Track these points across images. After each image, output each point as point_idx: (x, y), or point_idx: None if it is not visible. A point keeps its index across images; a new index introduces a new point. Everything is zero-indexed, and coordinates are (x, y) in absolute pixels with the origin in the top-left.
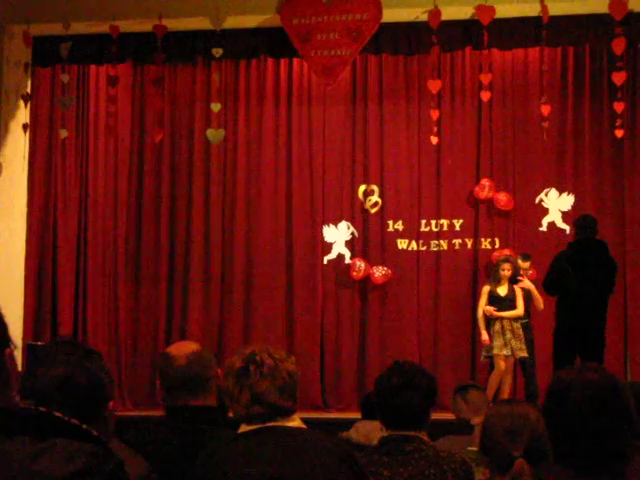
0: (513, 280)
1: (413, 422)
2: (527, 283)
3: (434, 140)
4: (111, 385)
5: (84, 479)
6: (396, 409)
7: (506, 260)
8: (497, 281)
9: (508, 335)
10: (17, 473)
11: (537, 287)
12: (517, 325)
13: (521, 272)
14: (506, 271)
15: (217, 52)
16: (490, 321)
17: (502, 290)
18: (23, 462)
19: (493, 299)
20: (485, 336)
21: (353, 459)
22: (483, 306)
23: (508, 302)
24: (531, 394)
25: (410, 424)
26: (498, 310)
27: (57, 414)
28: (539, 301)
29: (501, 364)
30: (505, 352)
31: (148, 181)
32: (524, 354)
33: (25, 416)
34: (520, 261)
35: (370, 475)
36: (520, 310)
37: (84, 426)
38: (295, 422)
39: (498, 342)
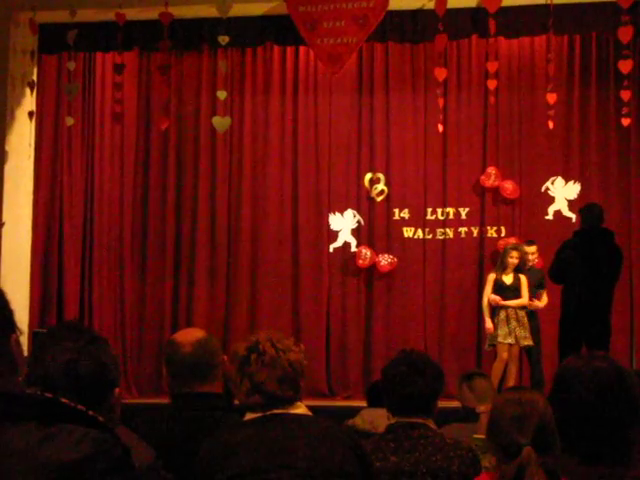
0: (518, 269)
1: (420, 409)
2: (537, 305)
3: (440, 128)
4: (117, 371)
5: (90, 465)
6: (404, 396)
7: (515, 248)
8: (503, 269)
9: (513, 323)
10: (23, 459)
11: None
12: (522, 313)
13: (528, 257)
14: (514, 259)
15: (223, 40)
16: (495, 309)
17: (507, 278)
18: (29, 448)
19: (498, 287)
20: (490, 324)
21: (359, 446)
22: (488, 294)
23: (513, 290)
24: (537, 382)
25: (417, 411)
26: (503, 298)
27: (63, 400)
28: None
29: (503, 352)
30: (509, 340)
31: (154, 169)
32: (529, 342)
33: (31, 402)
34: (526, 247)
35: (377, 461)
36: (525, 299)
37: (90, 412)
38: (300, 409)
39: (502, 330)
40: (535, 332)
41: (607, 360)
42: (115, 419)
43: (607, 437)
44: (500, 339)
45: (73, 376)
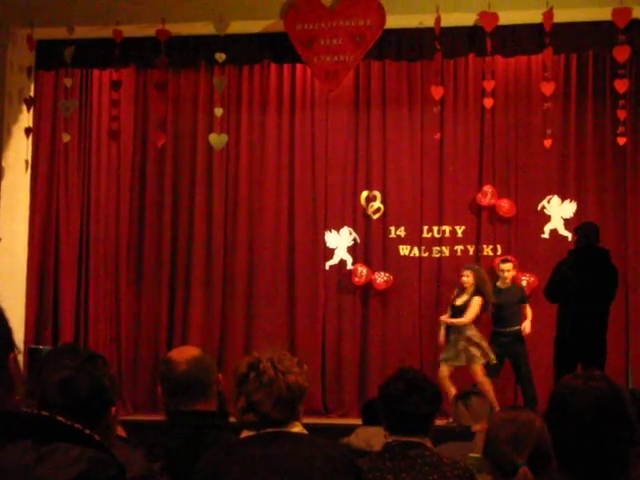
0: (477, 291)
1: (418, 428)
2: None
3: (436, 142)
4: (114, 390)
5: None
6: (402, 414)
7: (467, 267)
8: (461, 290)
9: (462, 344)
10: (19, 477)
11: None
12: (472, 333)
13: (504, 275)
14: (464, 277)
15: (220, 57)
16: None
17: (460, 300)
18: (25, 466)
19: (451, 308)
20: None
21: (355, 465)
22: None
23: (461, 312)
24: (530, 401)
25: (415, 430)
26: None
27: (59, 419)
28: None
29: (445, 370)
30: (458, 363)
31: (150, 185)
32: (485, 360)
33: (28, 420)
34: (501, 264)
35: None
36: (465, 319)
37: (87, 431)
38: (297, 428)
39: (449, 353)
40: (522, 353)
41: (604, 379)
42: (111, 438)
43: (603, 457)
44: (451, 362)
45: (69, 394)
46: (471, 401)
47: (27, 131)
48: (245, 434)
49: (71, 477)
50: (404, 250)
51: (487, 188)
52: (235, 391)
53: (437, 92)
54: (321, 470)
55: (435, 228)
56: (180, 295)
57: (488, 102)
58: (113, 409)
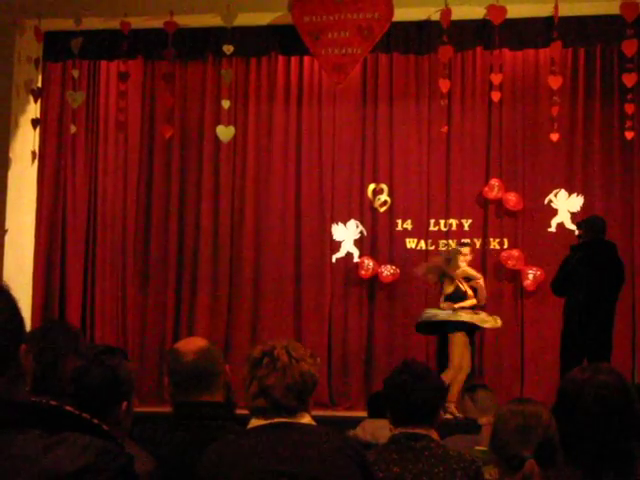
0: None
1: (423, 419)
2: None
3: (444, 135)
4: (129, 385)
5: (94, 474)
6: (407, 405)
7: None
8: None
9: None
10: (27, 466)
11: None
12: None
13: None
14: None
15: (228, 49)
16: None
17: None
18: (33, 456)
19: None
20: None
21: (362, 457)
22: None
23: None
24: None
25: (420, 421)
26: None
27: (68, 408)
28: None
29: None
30: None
31: (157, 177)
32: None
33: (36, 410)
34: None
35: (379, 472)
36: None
37: (95, 420)
38: (305, 419)
39: None
40: None
41: (611, 372)
42: (122, 431)
43: (610, 450)
44: None
45: (81, 384)
46: (478, 394)
47: (34, 122)
48: (253, 423)
49: (79, 467)
50: (411, 243)
51: (494, 182)
52: (247, 376)
53: (444, 85)
54: (328, 461)
55: (442, 221)
56: (186, 287)
57: (495, 96)
58: (124, 404)
